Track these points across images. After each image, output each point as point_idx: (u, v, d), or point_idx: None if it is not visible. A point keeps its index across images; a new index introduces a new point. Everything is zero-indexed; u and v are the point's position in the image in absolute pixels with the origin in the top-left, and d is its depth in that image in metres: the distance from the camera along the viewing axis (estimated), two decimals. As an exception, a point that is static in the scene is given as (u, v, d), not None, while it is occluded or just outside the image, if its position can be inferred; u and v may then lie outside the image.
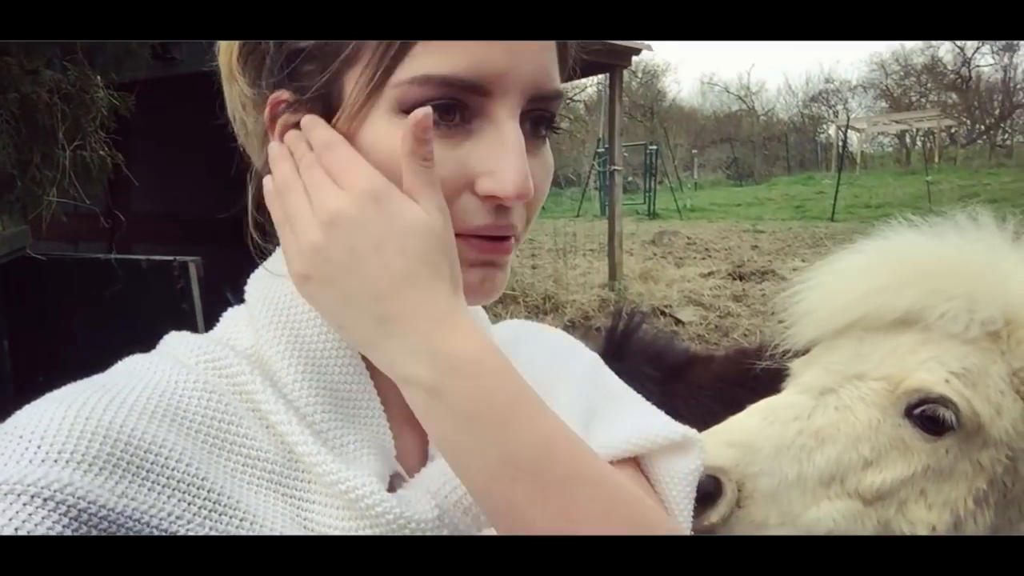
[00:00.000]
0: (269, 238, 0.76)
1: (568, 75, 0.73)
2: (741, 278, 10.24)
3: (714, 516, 1.02)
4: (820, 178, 29.79)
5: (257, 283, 0.74)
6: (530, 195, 0.63)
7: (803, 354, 1.24)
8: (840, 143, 30.92)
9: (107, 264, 4.11)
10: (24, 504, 0.52)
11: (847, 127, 31.11)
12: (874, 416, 1.07)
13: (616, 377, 0.93)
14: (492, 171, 0.63)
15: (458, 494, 0.69)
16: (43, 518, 0.52)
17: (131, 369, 0.66)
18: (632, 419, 0.84)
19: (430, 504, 0.67)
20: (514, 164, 0.62)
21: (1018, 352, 1.07)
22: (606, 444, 0.78)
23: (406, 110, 0.62)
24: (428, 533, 0.65)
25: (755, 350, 2.48)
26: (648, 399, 2.21)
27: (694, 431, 0.85)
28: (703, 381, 2.32)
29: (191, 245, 5.09)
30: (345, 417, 0.68)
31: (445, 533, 0.66)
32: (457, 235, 0.63)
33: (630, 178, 21.89)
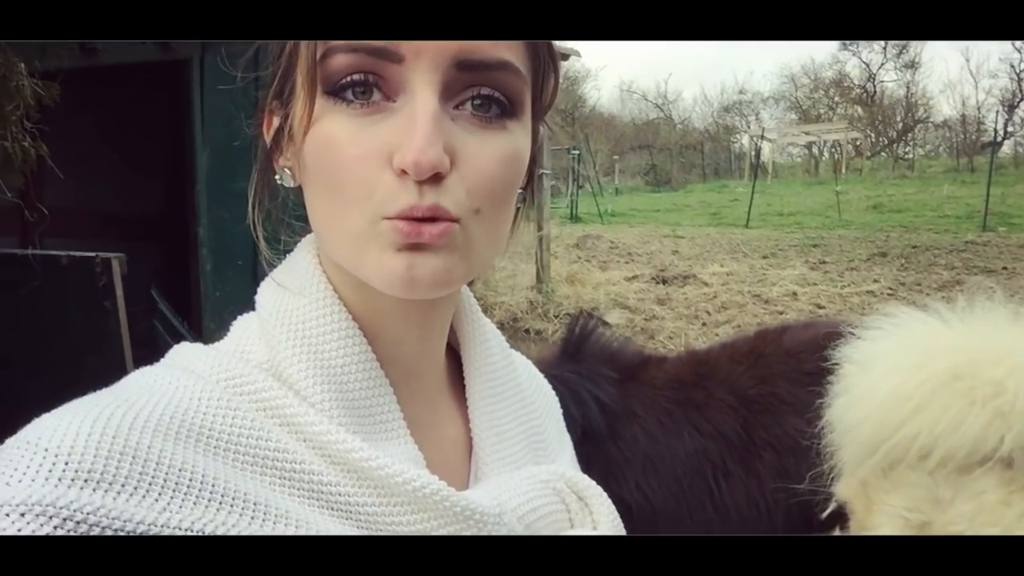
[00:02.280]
0: (272, 245, 0.74)
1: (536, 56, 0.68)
2: (664, 282, 10.45)
3: None
4: (734, 186, 30.69)
5: (268, 295, 0.71)
6: (435, 168, 0.59)
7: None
8: (754, 153, 31.88)
9: (24, 260, 3.90)
10: (55, 527, 0.49)
11: (761, 137, 32.10)
12: None
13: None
14: (403, 144, 0.60)
15: (515, 502, 0.69)
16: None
17: (150, 384, 0.63)
18: None
19: (492, 502, 0.66)
20: (418, 133, 0.59)
21: None
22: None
23: (330, 91, 0.62)
24: (487, 526, 0.65)
25: (704, 351, 2.53)
26: (606, 400, 2.23)
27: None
28: (657, 381, 2.35)
29: (105, 241, 4.88)
30: (369, 434, 0.66)
31: (503, 531, 0.66)
32: (386, 219, 0.61)
33: (553, 182, 22.08)
